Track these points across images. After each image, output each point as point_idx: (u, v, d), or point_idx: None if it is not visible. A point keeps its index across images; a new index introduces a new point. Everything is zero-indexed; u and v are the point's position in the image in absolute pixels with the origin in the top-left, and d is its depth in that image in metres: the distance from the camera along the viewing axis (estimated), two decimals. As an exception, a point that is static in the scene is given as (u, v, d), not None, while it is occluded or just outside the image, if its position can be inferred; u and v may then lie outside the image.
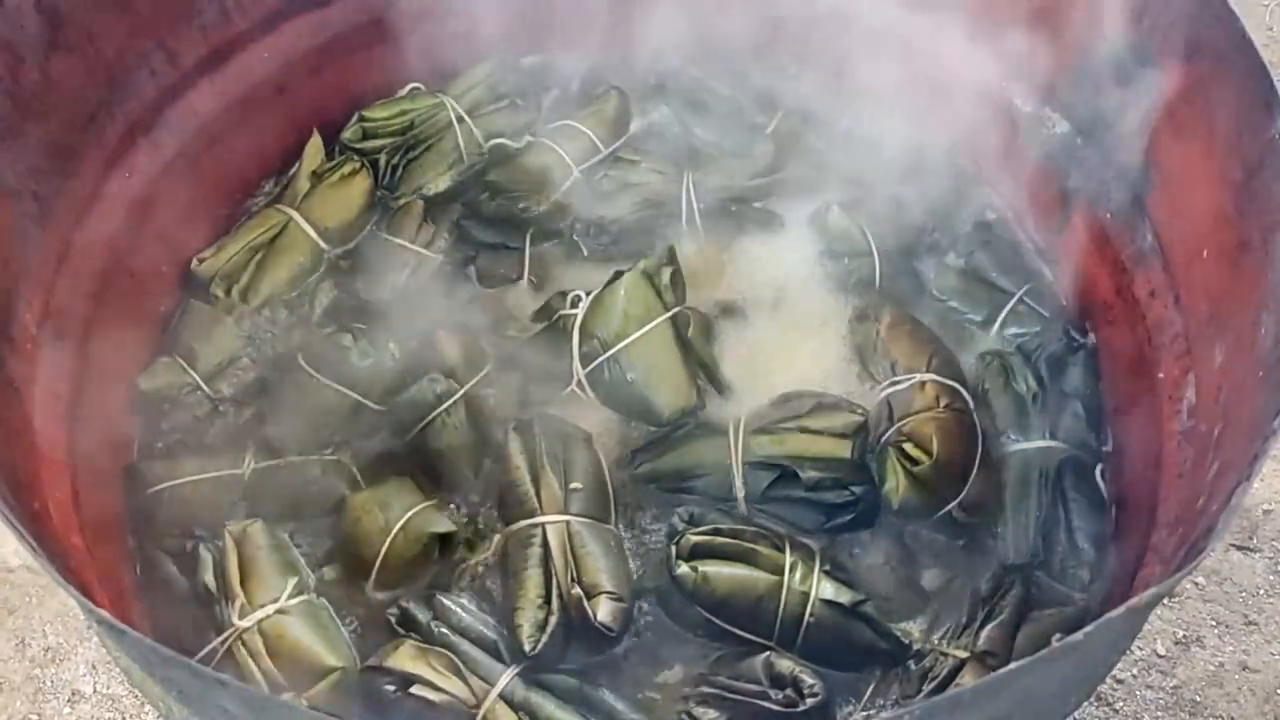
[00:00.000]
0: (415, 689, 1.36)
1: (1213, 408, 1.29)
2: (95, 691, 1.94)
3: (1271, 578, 2.08)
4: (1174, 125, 1.45)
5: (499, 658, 1.40)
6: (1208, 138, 1.37)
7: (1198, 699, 1.93)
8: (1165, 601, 2.04)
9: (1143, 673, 1.97)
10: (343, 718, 1.34)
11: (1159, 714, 1.92)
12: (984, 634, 1.42)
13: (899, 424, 1.56)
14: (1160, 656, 1.98)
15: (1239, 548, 2.11)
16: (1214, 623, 2.02)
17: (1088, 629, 0.85)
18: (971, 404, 1.59)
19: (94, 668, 1.95)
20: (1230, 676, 1.95)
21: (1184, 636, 2.00)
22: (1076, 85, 1.63)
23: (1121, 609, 0.86)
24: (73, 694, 1.93)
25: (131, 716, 1.91)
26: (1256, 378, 1.13)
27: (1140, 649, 1.98)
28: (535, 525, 1.47)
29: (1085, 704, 1.92)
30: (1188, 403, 1.37)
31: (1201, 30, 1.36)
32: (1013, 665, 0.85)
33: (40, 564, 0.89)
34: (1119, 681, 1.96)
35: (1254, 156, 1.25)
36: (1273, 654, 1.98)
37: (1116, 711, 1.93)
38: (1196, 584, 2.07)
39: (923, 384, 1.59)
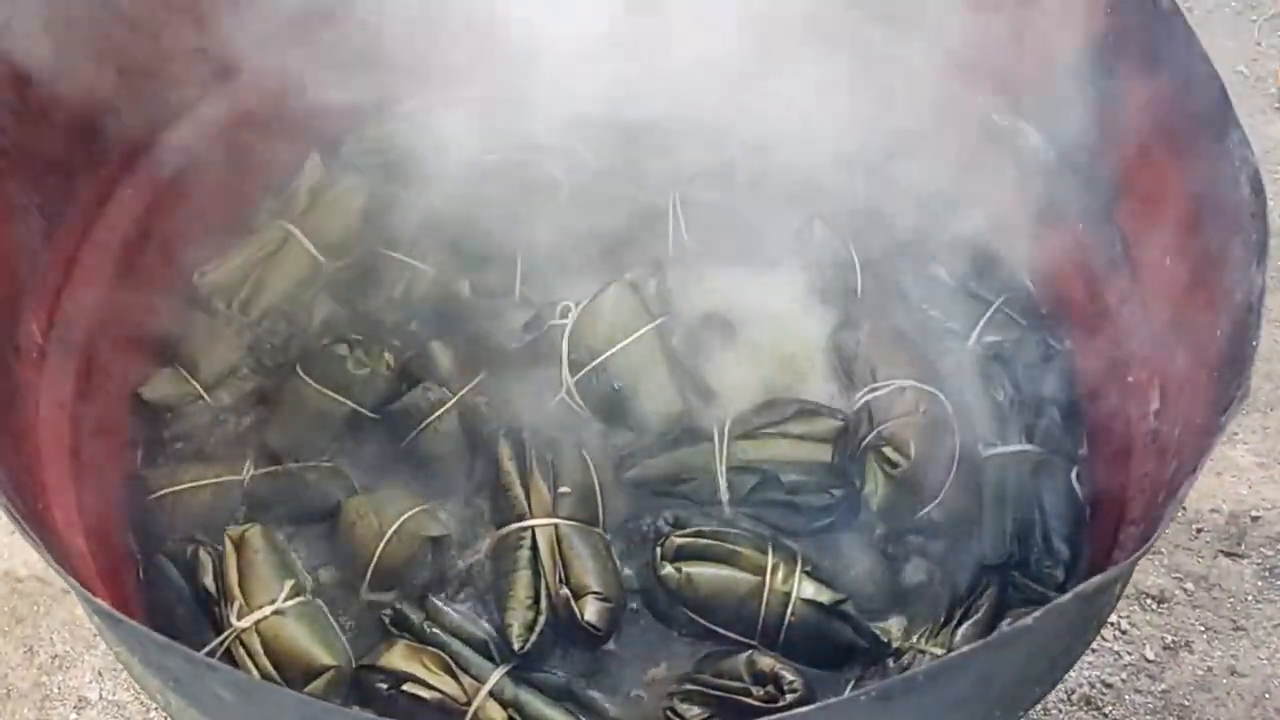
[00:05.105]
0: (407, 687, 1.39)
1: (1174, 410, 1.32)
2: (101, 698, 1.97)
3: (1259, 583, 2.09)
4: (1139, 138, 1.48)
5: (489, 657, 1.43)
6: (1170, 150, 1.40)
7: (1186, 703, 1.95)
8: (1154, 606, 2.05)
9: (1132, 677, 1.98)
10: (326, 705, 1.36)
11: (1148, 718, 1.93)
12: (961, 632, 1.45)
13: (878, 428, 1.57)
14: (1149, 661, 2.00)
15: (1227, 554, 2.12)
16: (1202, 628, 2.03)
17: (1035, 614, 0.89)
18: (950, 409, 1.61)
19: (100, 675, 1.98)
20: (1218, 681, 1.96)
21: (1173, 641, 2.02)
22: (1047, 100, 1.66)
23: (1068, 595, 0.89)
24: (79, 700, 1.96)
25: (136, 723, 1.94)
26: (1211, 378, 1.17)
27: (1129, 654, 2.00)
28: (525, 528, 1.50)
29: (1076, 709, 1.95)
30: (1154, 406, 1.40)
31: (1162, 46, 1.39)
32: (964, 648, 0.88)
33: (37, 551, 0.93)
34: (1108, 686, 1.97)
35: (1211, 166, 1.29)
36: (1260, 659, 1.99)
37: (1106, 716, 1.95)
38: (1185, 590, 2.08)
39: (902, 390, 1.61)
